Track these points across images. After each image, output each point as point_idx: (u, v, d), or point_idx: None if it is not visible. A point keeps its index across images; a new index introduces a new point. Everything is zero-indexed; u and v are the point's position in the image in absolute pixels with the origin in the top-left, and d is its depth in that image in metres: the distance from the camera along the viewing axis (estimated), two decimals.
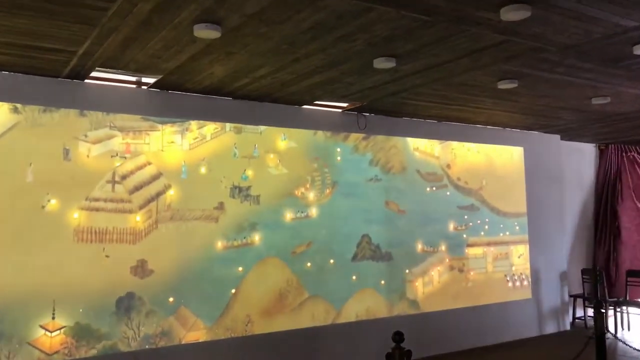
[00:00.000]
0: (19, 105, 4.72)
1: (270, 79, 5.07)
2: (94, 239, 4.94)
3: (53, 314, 4.70)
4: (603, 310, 4.69)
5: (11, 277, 4.56)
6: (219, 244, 5.57)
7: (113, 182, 5.09)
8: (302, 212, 6.14)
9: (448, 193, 7.41)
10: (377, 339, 6.33)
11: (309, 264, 6.11)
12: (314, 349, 6.03)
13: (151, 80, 5.17)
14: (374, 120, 6.77)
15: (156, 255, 5.21)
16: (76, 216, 4.87)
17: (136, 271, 5.11)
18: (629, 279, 8.61)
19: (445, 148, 7.44)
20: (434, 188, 7.27)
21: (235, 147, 5.78)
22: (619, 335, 7.59)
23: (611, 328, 7.71)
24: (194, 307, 5.37)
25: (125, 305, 5.03)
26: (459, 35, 3.90)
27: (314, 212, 6.23)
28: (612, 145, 9.57)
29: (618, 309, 8.32)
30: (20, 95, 4.73)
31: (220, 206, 5.61)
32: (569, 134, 8.64)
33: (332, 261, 6.28)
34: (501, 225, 7.91)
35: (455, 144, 7.54)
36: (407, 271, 6.87)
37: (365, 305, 6.47)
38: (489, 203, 7.81)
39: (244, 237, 5.73)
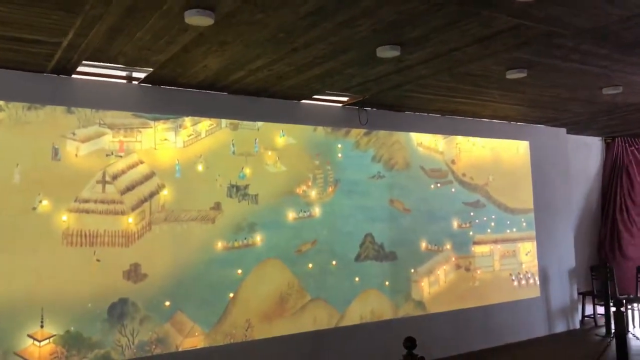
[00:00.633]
0: (1, 102, 4.46)
1: (267, 72, 4.82)
2: (84, 243, 4.68)
3: (41, 322, 4.44)
4: (623, 309, 4.44)
5: None
6: (217, 246, 5.31)
7: (103, 182, 4.83)
8: (304, 212, 5.89)
9: (453, 189, 7.16)
10: (383, 342, 6.09)
11: (310, 265, 5.86)
12: (317, 354, 5.78)
13: (142, 75, 4.91)
14: (376, 115, 6.51)
15: (150, 259, 4.96)
16: (65, 219, 4.61)
17: (129, 275, 4.86)
18: (639, 275, 8.38)
19: (449, 143, 7.19)
20: (439, 184, 7.02)
21: (233, 144, 5.52)
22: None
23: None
24: (191, 313, 5.11)
25: (118, 311, 4.77)
26: (470, 19, 3.65)
27: (316, 211, 5.98)
28: (619, 139, 9.33)
29: (629, 307, 8.08)
30: (3, 92, 4.47)
31: (217, 206, 5.35)
32: (575, 128, 8.40)
33: (334, 262, 6.03)
34: (508, 222, 7.66)
35: (460, 139, 7.29)
36: (412, 271, 6.62)
37: (369, 307, 6.22)
38: (495, 199, 7.56)
39: (244, 238, 5.48)
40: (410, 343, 3.13)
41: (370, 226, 6.36)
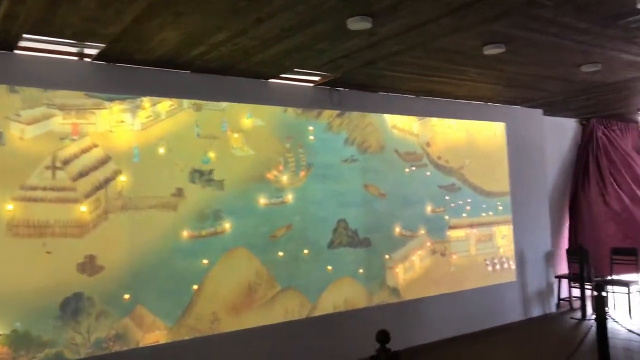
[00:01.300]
0: None
1: (231, 47, 4.48)
2: (32, 234, 4.31)
3: None
4: (604, 293, 4.28)
5: None
6: (180, 235, 4.99)
7: (53, 167, 4.45)
8: (276, 197, 5.60)
9: (428, 173, 6.94)
10: (357, 331, 5.86)
11: (281, 253, 5.58)
12: (288, 346, 5.52)
13: (94, 51, 4.52)
14: (349, 96, 6.23)
15: (106, 250, 4.61)
16: (10, 208, 4.23)
17: (84, 268, 4.51)
18: (613, 256, 8.33)
19: (424, 125, 6.96)
20: (414, 168, 6.79)
21: (198, 126, 5.18)
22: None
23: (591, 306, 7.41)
24: (152, 306, 4.79)
25: (72, 307, 4.43)
26: None
27: (288, 196, 5.69)
28: (594, 120, 9.23)
29: (605, 290, 8.01)
30: None
31: (179, 192, 5.02)
32: (551, 108, 8.25)
33: (306, 250, 5.76)
34: (484, 206, 7.49)
35: (435, 121, 7.06)
36: (387, 257, 6.40)
37: (343, 295, 5.98)
38: (471, 182, 7.37)
39: (211, 226, 5.17)
40: (383, 336, 2.87)
41: (344, 212, 6.10)
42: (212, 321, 5.08)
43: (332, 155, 6.10)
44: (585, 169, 9.12)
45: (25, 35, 4.03)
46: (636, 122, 9.88)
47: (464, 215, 7.24)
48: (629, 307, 7.65)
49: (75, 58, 4.68)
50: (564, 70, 5.80)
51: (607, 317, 4.42)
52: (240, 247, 5.33)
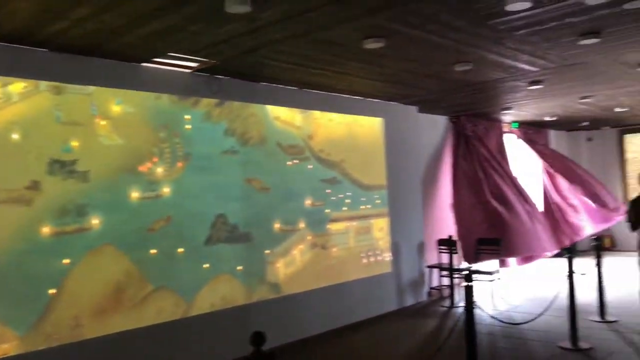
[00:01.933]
0: None
1: (96, 24, 4.04)
2: None
3: None
4: (471, 283, 4.49)
5: None
6: (36, 233, 4.44)
7: None
8: (151, 190, 5.20)
9: (310, 166, 6.89)
10: (236, 329, 5.67)
11: (154, 251, 5.20)
12: (162, 349, 5.17)
13: None
14: (229, 84, 5.97)
15: None
16: None
17: None
18: (480, 247, 8.89)
19: (307, 118, 6.90)
20: (296, 161, 6.71)
21: (59, 111, 4.64)
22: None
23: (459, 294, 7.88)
24: (0, 313, 4.22)
25: None
26: None
27: (164, 189, 5.32)
28: (463, 117, 9.80)
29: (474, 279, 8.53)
30: None
31: (34, 185, 4.46)
32: (426, 106, 8.61)
33: (182, 246, 5.43)
34: (363, 199, 7.62)
35: (317, 114, 7.02)
36: (267, 252, 6.25)
37: (220, 293, 5.74)
38: (351, 176, 7.46)
39: (74, 223, 4.66)
40: (258, 339, 2.71)
41: (223, 205, 5.85)
42: (74, 327, 4.59)
43: (211, 146, 5.81)
44: (455, 163, 9.66)
45: None
46: (500, 120, 10.66)
47: (345, 208, 7.31)
48: (491, 293, 8.22)
49: None
50: (440, 68, 6.02)
51: (475, 306, 4.62)
52: (108, 245, 4.88)
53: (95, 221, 4.80)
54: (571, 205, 11.43)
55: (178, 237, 5.41)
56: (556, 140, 13.02)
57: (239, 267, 5.93)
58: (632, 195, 11.26)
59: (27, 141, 4.44)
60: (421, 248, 8.62)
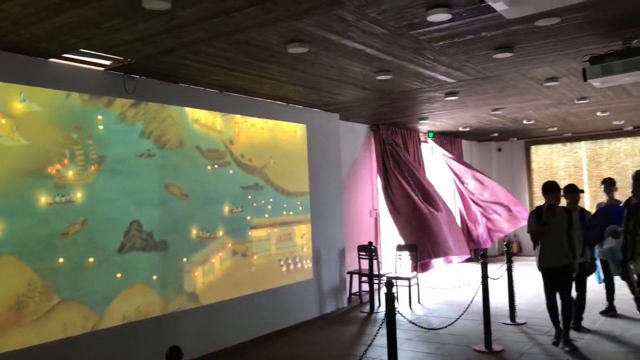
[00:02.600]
0: None
1: None
2: None
3: None
4: (394, 290, 4.52)
5: None
6: None
7: None
8: (61, 195, 4.84)
9: (231, 171, 6.73)
10: (151, 342, 5.40)
11: (61, 260, 4.84)
12: None
13: None
14: (146, 84, 5.71)
15: None
16: None
17: None
18: (397, 252, 9.08)
19: (228, 122, 6.73)
20: (216, 166, 6.52)
21: None
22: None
23: (378, 300, 8.02)
24: None
25: None
26: None
27: (77, 194, 4.97)
28: (382, 126, 9.99)
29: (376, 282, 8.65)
30: None
31: None
32: (347, 113, 8.69)
33: (92, 254, 5.09)
34: (285, 205, 7.55)
35: (239, 118, 6.88)
36: (184, 260, 6.01)
37: (134, 304, 5.44)
38: (273, 182, 7.36)
39: None
40: (173, 354, 2.54)
41: (138, 212, 5.56)
42: None
43: (126, 148, 5.52)
44: (383, 171, 9.85)
45: None
46: (417, 130, 10.98)
47: (266, 215, 7.20)
48: (409, 299, 8.41)
49: None
50: (362, 76, 6.08)
51: (395, 312, 4.66)
52: (7, 255, 4.47)
53: None
54: (482, 212, 12.00)
55: (89, 244, 5.07)
56: (468, 150, 13.61)
57: (155, 277, 5.66)
58: (537, 203, 12.06)
59: None
60: (342, 254, 8.67)
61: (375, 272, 8.41)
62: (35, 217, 4.68)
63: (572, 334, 6.05)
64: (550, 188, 5.97)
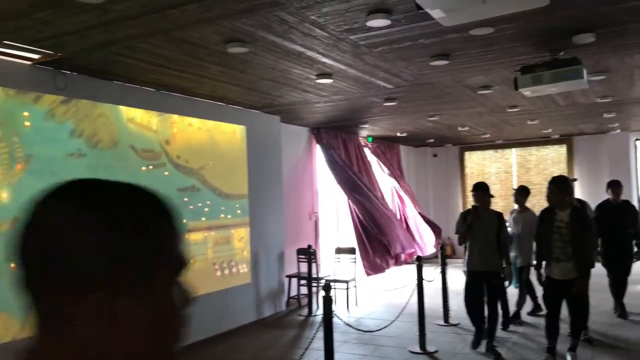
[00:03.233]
0: None
1: None
2: None
3: None
4: (331, 294, 4.53)
5: None
6: None
7: None
8: None
9: (167, 173, 6.55)
10: None
11: None
12: None
13: None
14: (77, 81, 5.46)
15: None
16: None
17: None
18: (335, 255, 9.14)
19: (164, 122, 6.55)
20: (151, 167, 6.33)
21: None
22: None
23: (317, 303, 8.01)
24: None
25: None
26: None
27: (2, 194, 4.68)
28: (323, 129, 10.04)
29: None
30: None
31: None
32: (288, 116, 8.66)
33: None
34: (223, 208, 7.42)
35: (176, 118, 6.71)
36: None
37: None
38: (211, 184, 7.23)
39: None
40: None
41: None
42: None
43: (55, 147, 5.25)
44: (335, 175, 9.96)
45: None
46: (357, 134, 11.11)
47: (203, 218, 7.05)
48: (347, 302, 8.47)
49: None
50: (302, 79, 6.08)
51: (333, 315, 4.67)
52: None
53: None
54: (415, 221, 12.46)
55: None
56: (405, 155, 13.91)
57: None
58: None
59: None
60: (281, 258, 8.62)
61: (314, 276, 8.42)
62: None
63: (504, 333, 6.27)
64: (473, 187, 6.04)
